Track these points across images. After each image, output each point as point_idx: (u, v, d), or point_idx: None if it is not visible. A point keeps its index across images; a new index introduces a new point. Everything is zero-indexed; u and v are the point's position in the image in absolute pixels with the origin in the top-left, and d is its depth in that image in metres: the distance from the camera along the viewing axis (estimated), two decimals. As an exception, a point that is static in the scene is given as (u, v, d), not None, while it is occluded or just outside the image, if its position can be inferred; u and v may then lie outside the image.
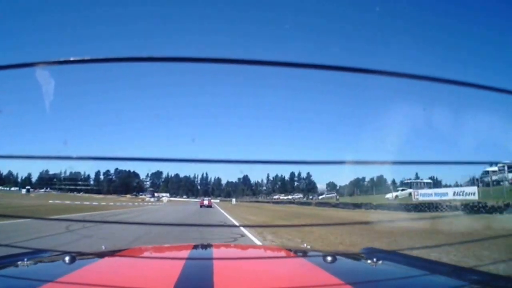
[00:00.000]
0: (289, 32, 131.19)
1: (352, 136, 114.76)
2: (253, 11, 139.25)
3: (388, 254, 1.44)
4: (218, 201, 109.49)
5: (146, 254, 1.57)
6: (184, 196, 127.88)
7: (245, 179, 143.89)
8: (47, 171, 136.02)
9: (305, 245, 2.22)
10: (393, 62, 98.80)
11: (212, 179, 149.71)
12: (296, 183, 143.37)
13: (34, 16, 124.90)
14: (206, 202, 41.12)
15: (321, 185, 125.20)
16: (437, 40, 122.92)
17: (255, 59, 0.59)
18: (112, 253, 1.47)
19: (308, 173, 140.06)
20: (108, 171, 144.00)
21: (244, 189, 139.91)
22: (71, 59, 0.60)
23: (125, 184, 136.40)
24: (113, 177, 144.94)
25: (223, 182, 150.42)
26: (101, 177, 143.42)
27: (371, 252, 1.51)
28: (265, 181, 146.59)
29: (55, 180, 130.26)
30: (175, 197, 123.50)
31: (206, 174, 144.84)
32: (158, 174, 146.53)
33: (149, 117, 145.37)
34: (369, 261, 1.22)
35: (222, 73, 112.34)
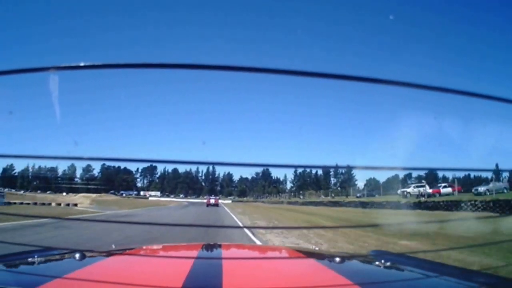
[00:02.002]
0: (302, 40, 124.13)
1: (362, 141, 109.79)
2: (268, 19, 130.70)
3: (396, 257, 1.46)
4: (229, 201, 75.24)
5: (155, 252, 1.57)
6: (181, 196, 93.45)
7: (265, 174, 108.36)
8: (11, 166, 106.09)
9: (313, 246, 2.41)
10: (405, 70, 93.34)
11: (221, 175, 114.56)
12: (332, 179, 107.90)
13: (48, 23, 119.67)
14: (212, 201, 38.90)
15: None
16: (448, 49, 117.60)
17: (266, 68, 0.58)
18: (121, 252, 1.47)
19: (348, 166, 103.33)
20: (88, 165, 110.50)
21: (264, 185, 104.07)
22: (82, 64, 0.59)
23: (110, 181, 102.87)
24: (97, 173, 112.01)
25: (236, 177, 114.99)
26: (79, 173, 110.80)
27: (380, 254, 1.50)
28: (290, 176, 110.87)
29: (21, 177, 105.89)
30: (167, 196, 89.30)
31: (213, 168, 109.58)
32: (151, 169, 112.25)
33: (162, 121, 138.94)
34: (377, 263, 1.21)
35: (234, 79, 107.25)
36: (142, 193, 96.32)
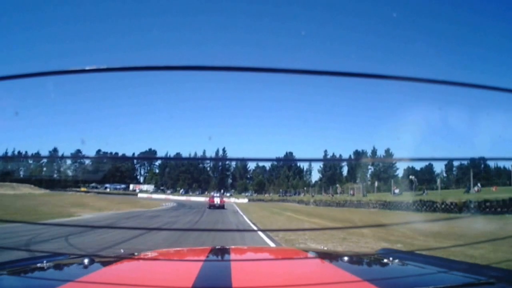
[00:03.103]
0: (307, 39, 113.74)
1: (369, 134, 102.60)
2: (271, 20, 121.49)
3: (404, 254, 1.45)
4: (245, 200, 54.88)
5: (164, 256, 1.59)
6: (181, 191, 73.41)
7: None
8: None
9: (322, 246, 2.31)
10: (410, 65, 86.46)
11: (233, 163, 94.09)
12: (370, 169, 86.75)
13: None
14: (217, 201, 26.47)
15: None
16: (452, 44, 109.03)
17: (275, 67, 0.59)
18: (130, 256, 1.50)
19: (388, 150, 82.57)
20: (78, 151, 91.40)
21: (289, 176, 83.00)
22: (87, 68, 0.58)
23: (102, 172, 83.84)
24: (87, 162, 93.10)
25: (251, 166, 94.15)
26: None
27: (388, 253, 1.49)
28: (317, 165, 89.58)
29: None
30: (163, 192, 69.80)
31: (224, 154, 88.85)
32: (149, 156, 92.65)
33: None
34: (385, 261, 1.22)
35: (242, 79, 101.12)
36: (132, 187, 77.40)
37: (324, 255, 1.49)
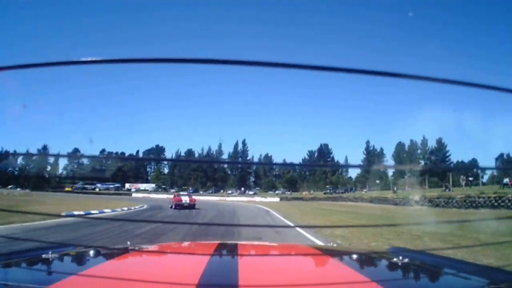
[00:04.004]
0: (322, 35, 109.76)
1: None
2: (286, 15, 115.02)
3: (415, 254, 1.45)
4: (277, 200, 39.69)
5: (171, 250, 1.58)
6: (190, 190, 58.52)
7: (323, 153, 70.81)
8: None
9: (331, 243, 2.10)
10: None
11: (255, 159, 78.66)
12: (422, 162, 70.02)
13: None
14: (185, 199, 21.13)
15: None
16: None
17: (287, 63, 0.58)
18: (136, 249, 1.49)
19: (440, 140, 66.89)
20: (76, 149, 78.96)
21: (326, 172, 66.57)
22: (97, 59, 0.57)
23: (100, 171, 70.60)
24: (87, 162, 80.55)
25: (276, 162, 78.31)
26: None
27: (398, 251, 1.50)
28: (354, 158, 73.10)
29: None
30: (165, 191, 55.95)
31: (244, 146, 73.41)
32: (157, 152, 78.39)
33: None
34: (395, 260, 1.20)
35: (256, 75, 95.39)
36: (128, 186, 63.88)
37: (334, 253, 1.45)
